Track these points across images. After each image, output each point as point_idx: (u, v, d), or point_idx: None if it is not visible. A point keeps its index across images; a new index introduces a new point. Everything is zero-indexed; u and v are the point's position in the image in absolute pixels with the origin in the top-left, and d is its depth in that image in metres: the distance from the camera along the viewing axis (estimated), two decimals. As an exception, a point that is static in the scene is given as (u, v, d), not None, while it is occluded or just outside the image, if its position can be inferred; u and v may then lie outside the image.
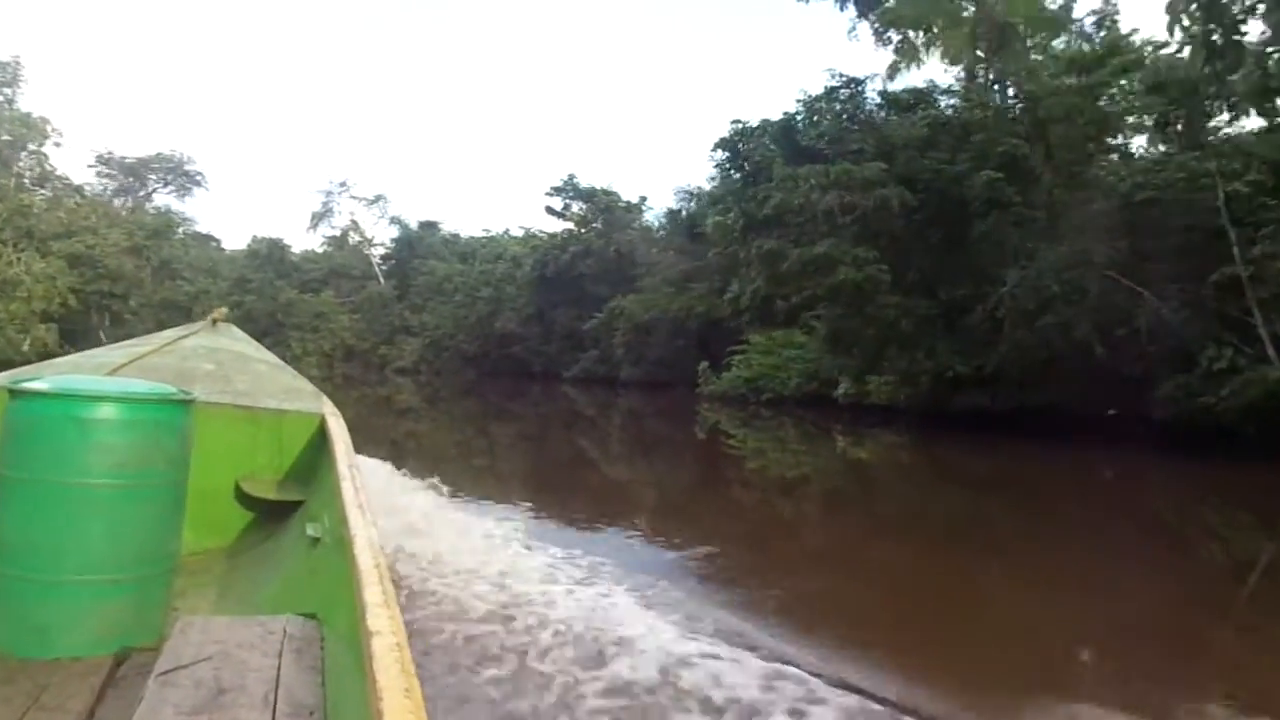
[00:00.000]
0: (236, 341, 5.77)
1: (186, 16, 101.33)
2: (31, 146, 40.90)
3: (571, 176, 48.20)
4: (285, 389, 4.97)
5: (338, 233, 63.39)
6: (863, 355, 21.60)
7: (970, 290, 19.58)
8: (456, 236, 60.82)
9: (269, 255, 57.78)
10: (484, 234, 59.51)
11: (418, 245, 58.98)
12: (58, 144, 43.12)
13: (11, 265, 31.52)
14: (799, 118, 23.45)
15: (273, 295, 52.96)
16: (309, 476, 4.34)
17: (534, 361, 45.70)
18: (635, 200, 47.21)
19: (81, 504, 2.78)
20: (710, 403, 27.45)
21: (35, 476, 2.76)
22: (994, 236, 19.37)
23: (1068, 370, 17.61)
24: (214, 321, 5.92)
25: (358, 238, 62.92)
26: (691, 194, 35.68)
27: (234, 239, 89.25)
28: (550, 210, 48.58)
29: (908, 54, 28.20)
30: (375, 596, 1.92)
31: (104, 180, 54.40)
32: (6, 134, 40.01)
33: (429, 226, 61.61)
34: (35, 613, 2.72)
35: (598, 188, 47.02)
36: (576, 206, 47.95)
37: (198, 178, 58.47)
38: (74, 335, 35.85)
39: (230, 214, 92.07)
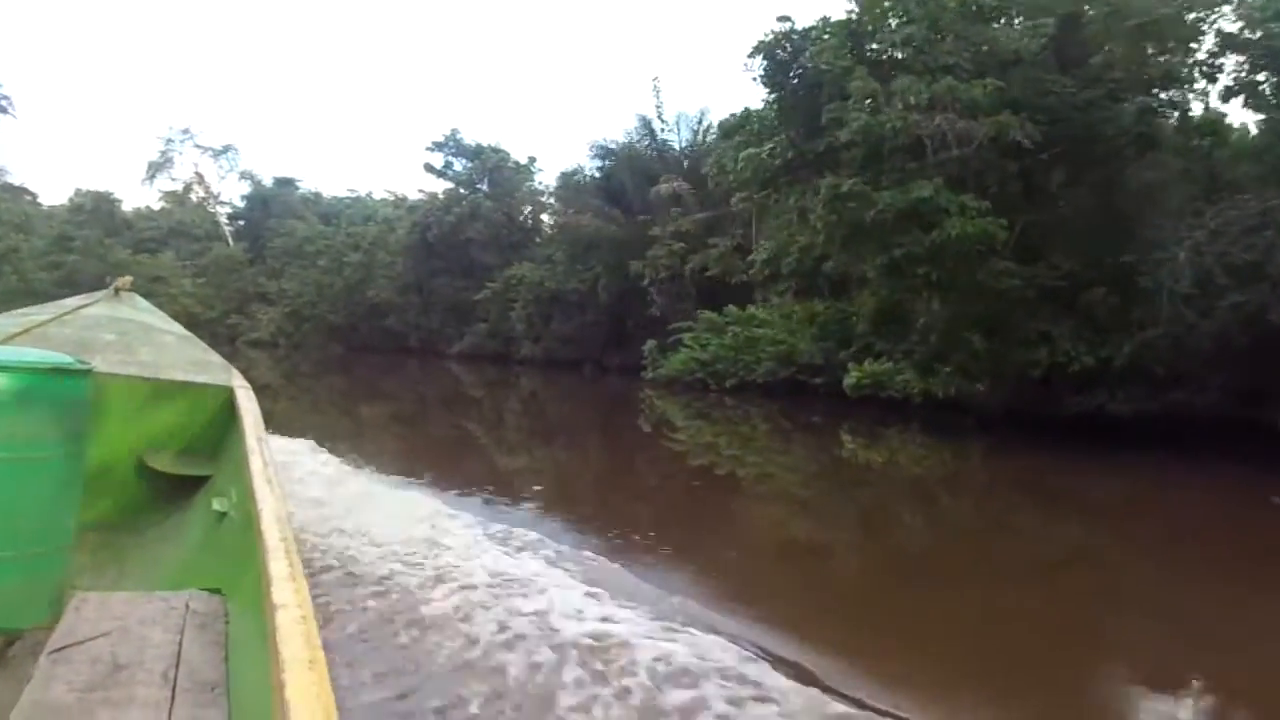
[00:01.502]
0: (141, 312, 5.76)
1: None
2: None
3: (454, 132, 43.73)
4: (192, 361, 4.91)
5: (179, 187, 56.25)
6: (942, 338, 16.23)
7: (1109, 256, 15.07)
8: (318, 196, 55.46)
9: (95, 210, 50.92)
10: (349, 194, 54.11)
11: (273, 204, 53.04)
12: None
13: None
14: (861, 19, 17.82)
15: (101, 255, 46.32)
16: (216, 451, 4.22)
17: (411, 335, 41.27)
18: (524, 161, 43.21)
19: None
20: (656, 389, 23.68)
21: None
22: (1144, 187, 15.46)
23: (1228, 365, 13.60)
24: (117, 290, 5.90)
25: (202, 193, 55.97)
26: (609, 149, 31.83)
27: (53, 194, 78.45)
28: (430, 168, 43.92)
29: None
30: (281, 570, 1.88)
31: None
32: None
33: (285, 184, 55.62)
34: None
35: (484, 145, 42.66)
36: (459, 165, 43.50)
37: (2, 102, 48.90)
38: None
39: (48, 166, 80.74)
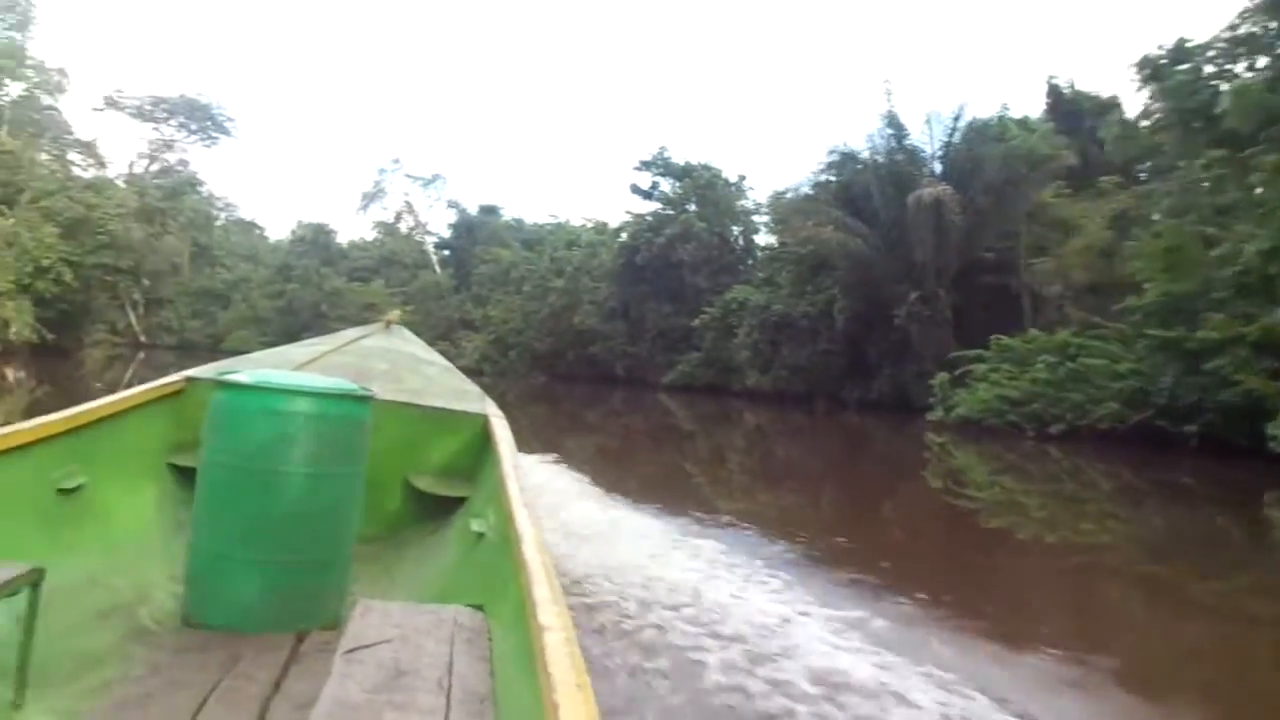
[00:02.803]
0: (408, 343, 6.21)
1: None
2: (45, 100, 34.85)
3: (662, 150, 41.73)
4: (453, 390, 5.11)
5: (390, 217, 57.68)
6: None
7: None
8: (520, 222, 55.09)
9: (314, 241, 52.86)
10: (551, 220, 53.34)
11: (478, 231, 53.21)
12: (63, 91, 37.09)
13: None
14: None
15: (317, 284, 47.66)
16: (472, 474, 4.40)
17: (617, 364, 38.97)
18: (734, 179, 40.44)
19: (273, 489, 3.00)
20: (947, 431, 19.47)
21: (234, 463, 3.01)
22: None
23: None
24: (388, 324, 6.44)
25: (411, 222, 57.11)
26: (849, 156, 28.23)
27: (278, 225, 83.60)
28: (636, 189, 41.99)
29: None
30: (544, 592, 2.00)
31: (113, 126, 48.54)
32: (9, 82, 33.94)
33: (489, 211, 55.83)
34: (230, 588, 2.96)
35: (694, 163, 40.27)
36: (667, 185, 41.34)
37: (225, 124, 51.40)
38: (72, 319, 29.68)
39: (274, 199, 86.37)
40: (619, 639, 4.39)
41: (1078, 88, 28.45)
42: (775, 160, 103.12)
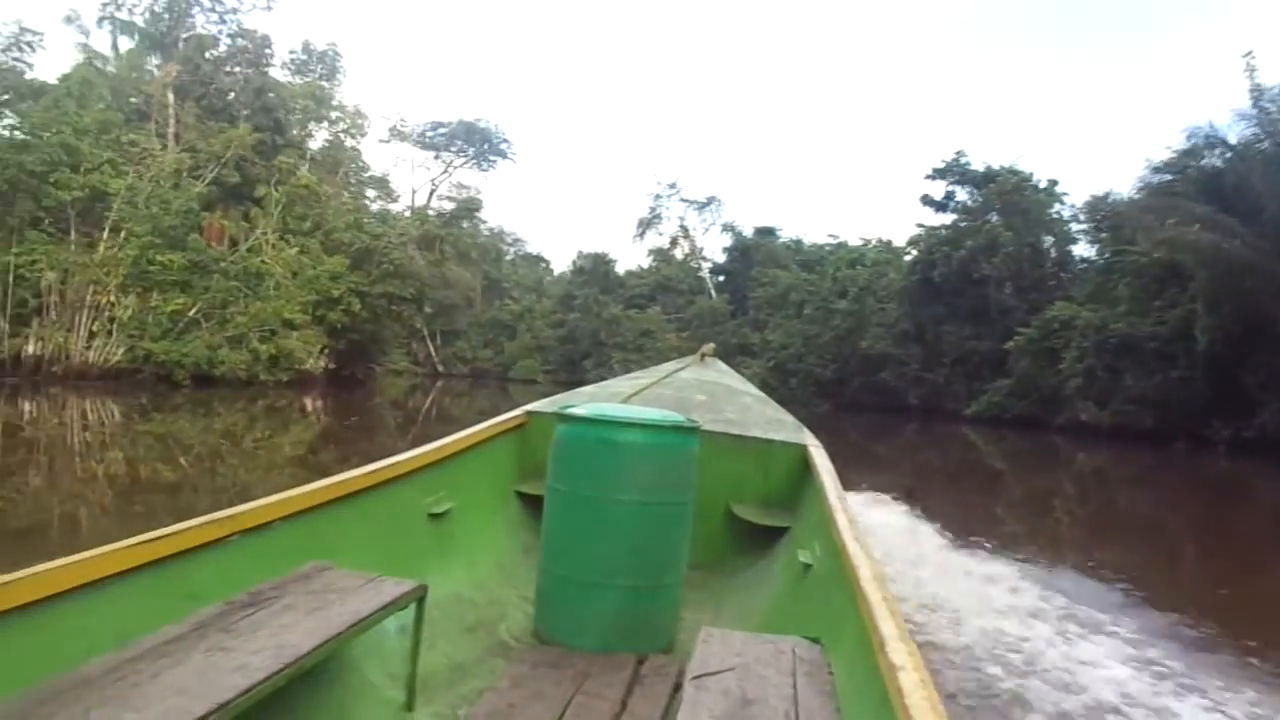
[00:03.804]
0: (723, 375, 6.45)
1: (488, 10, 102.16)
2: (350, 143, 37.83)
3: (959, 156, 37.68)
4: (769, 420, 5.12)
5: (665, 243, 57.56)
6: None
7: None
8: (799, 243, 52.66)
9: (594, 270, 53.63)
10: (831, 240, 50.53)
11: (754, 254, 51.61)
12: (364, 134, 39.99)
13: (257, 252, 26.31)
14: None
15: (596, 313, 48.31)
16: (792, 504, 4.42)
17: (909, 392, 35.39)
18: (1043, 184, 35.52)
19: (611, 517, 3.20)
20: None
21: (575, 490, 3.26)
22: None
23: None
24: (702, 356, 6.75)
25: (687, 248, 56.63)
26: (1213, 139, 23.16)
27: (561, 259, 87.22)
28: (928, 201, 38.23)
29: None
30: (890, 629, 1.93)
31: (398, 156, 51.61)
32: (328, 130, 37.06)
33: (766, 233, 54.09)
34: (576, 609, 3.21)
35: (996, 168, 35.92)
36: (964, 194, 37.32)
37: (502, 147, 52.90)
38: (362, 348, 30.97)
39: (556, 231, 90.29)
40: (966, 693, 4.06)
41: None
42: (1079, 162, 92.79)
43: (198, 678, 1.79)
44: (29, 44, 23.79)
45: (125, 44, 30.51)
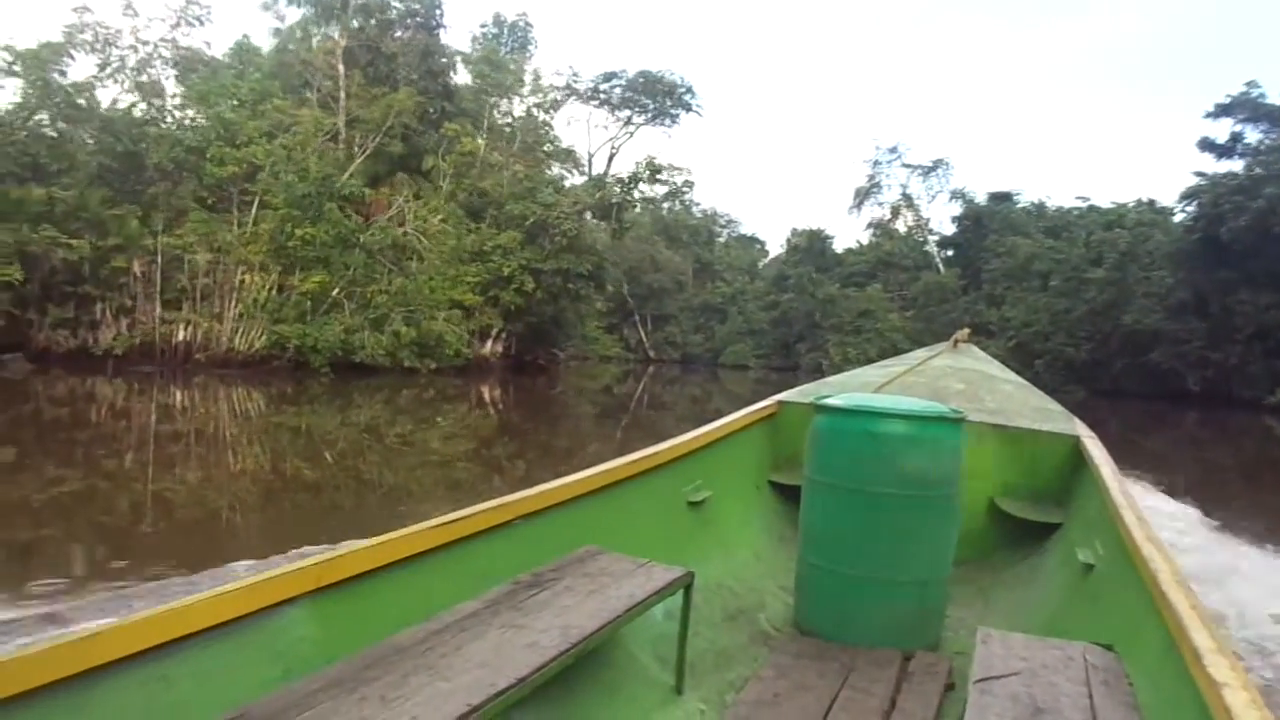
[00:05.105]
0: (979, 361, 6.02)
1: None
2: (542, 116, 36.95)
3: (1249, 88, 31.08)
4: (1034, 409, 4.90)
5: (885, 214, 53.04)
6: None
7: None
8: (1041, 207, 46.68)
9: (809, 249, 50.55)
10: (1080, 202, 44.21)
11: (988, 222, 46.17)
12: (556, 108, 38.36)
13: (411, 224, 24.31)
14: None
15: (811, 292, 45.23)
16: (1063, 499, 4.22)
17: (1189, 376, 29.89)
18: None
19: (871, 509, 3.14)
20: None
21: (835, 481, 3.23)
22: None
23: None
24: (956, 343, 6.25)
25: (910, 218, 51.88)
26: None
27: (775, 236, 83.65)
28: (1208, 145, 31.95)
29: None
30: (1206, 641, 1.78)
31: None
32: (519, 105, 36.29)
33: (1002, 199, 48.32)
34: (838, 602, 3.19)
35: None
36: (1255, 134, 30.78)
37: (686, 98, 46.48)
38: (542, 331, 29.00)
39: (771, 215, 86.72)
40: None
41: None
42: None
43: (494, 652, 1.98)
44: (197, 19, 23.35)
45: (294, 15, 29.87)
